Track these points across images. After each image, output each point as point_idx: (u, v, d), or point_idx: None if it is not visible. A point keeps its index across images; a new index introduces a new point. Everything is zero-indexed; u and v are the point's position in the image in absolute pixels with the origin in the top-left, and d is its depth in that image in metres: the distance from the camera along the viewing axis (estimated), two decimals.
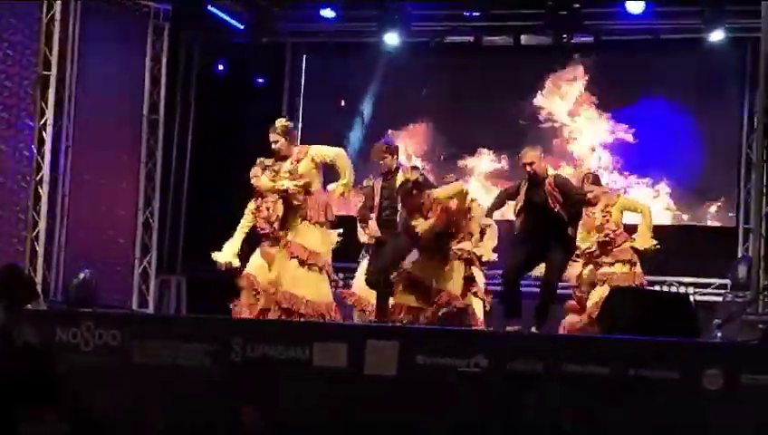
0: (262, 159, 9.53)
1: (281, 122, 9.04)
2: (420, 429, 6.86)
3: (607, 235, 10.04)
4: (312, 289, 8.81)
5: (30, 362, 6.20)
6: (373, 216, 9.70)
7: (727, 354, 6.71)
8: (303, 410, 7.03)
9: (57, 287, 12.92)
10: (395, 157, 9.63)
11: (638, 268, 10.10)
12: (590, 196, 9.90)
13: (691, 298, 11.59)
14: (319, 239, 8.92)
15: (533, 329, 8.86)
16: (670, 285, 13.46)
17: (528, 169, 9.19)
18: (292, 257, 8.79)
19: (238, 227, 9.67)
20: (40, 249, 12.69)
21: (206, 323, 7.54)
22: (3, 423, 5.75)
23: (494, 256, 10.31)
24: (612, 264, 10.06)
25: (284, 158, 8.99)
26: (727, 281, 13.04)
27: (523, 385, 6.77)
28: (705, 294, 13.33)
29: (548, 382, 6.72)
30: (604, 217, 10.10)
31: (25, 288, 7.91)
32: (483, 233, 10.31)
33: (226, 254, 9.53)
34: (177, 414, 7.16)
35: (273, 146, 8.97)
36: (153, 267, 14.39)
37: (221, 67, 15.62)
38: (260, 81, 15.67)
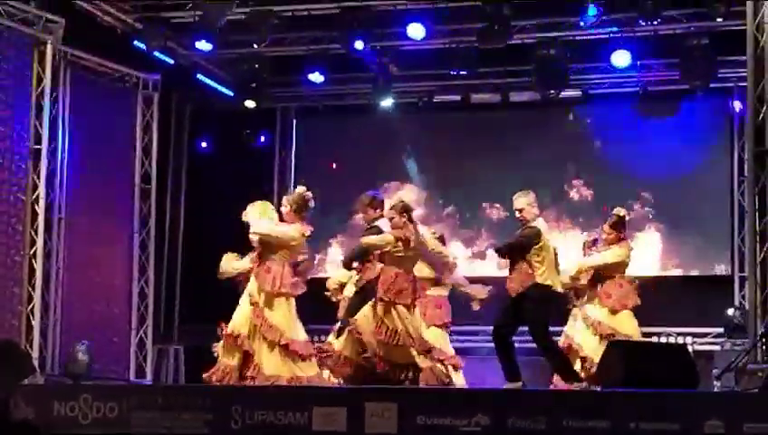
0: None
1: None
2: None
3: None
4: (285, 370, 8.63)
5: None
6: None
7: (728, 404, 6.68)
8: None
9: (54, 361, 12.85)
10: (378, 211, 9.41)
11: None
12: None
13: (689, 348, 11.54)
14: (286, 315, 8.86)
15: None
16: (668, 335, 13.44)
17: (518, 214, 9.13)
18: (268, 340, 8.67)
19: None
20: (35, 323, 12.61)
21: (204, 391, 7.50)
22: None
23: None
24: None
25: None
26: (722, 329, 13.04)
27: None
28: (702, 344, 13.31)
29: None
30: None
31: (22, 363, 7.88)
32: None
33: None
34: None
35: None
36: (150, 337, 14.33)
37: (211, 135, 15.67)
38: (251, 146, 15.70)
